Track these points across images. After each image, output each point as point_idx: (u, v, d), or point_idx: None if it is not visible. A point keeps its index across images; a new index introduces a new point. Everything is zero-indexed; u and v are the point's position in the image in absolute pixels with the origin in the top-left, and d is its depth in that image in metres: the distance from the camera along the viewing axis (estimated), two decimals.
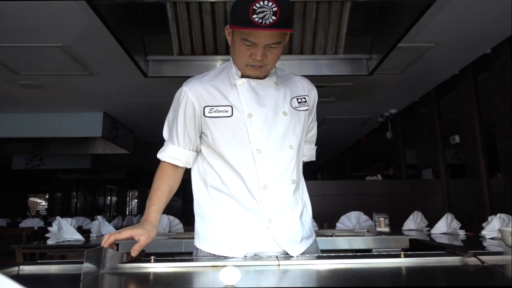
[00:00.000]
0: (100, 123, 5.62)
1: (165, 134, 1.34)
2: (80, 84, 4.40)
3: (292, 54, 2.65)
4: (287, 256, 1.21)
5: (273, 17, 1.08)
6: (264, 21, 1.08)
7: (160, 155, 1.31)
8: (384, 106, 5.44)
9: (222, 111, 1.23)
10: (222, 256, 1.22)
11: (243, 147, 1.21)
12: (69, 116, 5.62)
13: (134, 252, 1.09)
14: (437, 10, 2.74)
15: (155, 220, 1.21)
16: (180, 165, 1.30)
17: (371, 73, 2.73)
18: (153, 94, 4.72)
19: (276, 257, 1.16)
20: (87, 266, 0.90)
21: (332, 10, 2.43)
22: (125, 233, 1.11)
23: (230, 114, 1.22)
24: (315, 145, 1.53)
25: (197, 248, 1.30)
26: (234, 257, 1.20)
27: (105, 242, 1.07)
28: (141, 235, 1.12)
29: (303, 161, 1.43)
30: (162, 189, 1.28)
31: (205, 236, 1.27)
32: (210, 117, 1.24)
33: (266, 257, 1.19)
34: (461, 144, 4.12)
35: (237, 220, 1.23)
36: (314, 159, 1.52)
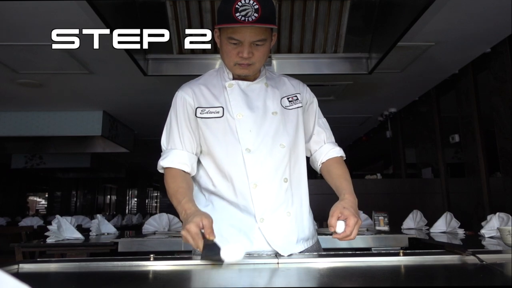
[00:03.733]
0: (100, 121, 5.62)
1: (164, 142, 1.29)
2: (79, 83, 4.39)
3: (292, 53, 2.65)
4: None
5: (255, 14, 1.13)
6: (246, 18, 1.13)
7: (164, 162, 1.24)
8: (383, 105, 5.44)
9: (214, 112, 1.25)
10: None
11: (233, 147, 1.22)
12: (69, 114, 5.62)
13: (211, 235, 1.02)
14: (436, 9, 2.73)
15: (195, 207, 1.12)
16: (187, 170, 1.24)
17: (370, 72, 2.73)
18: (152, 92, 4.71)
19: (275, 255, 1.16)
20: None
21: (332, 9, 2.43)
22: (194, 229, 1.03)
23: (221, 115, 1.24)
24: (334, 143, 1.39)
25: (194, 250, 1.29)
26: None
27: (199, 245, 1.02)
28: (200, 221, 1.04)
29: (307, 156, 1.39)
30: (182, 186, 1.19)
31: None
32: (201, 117, 1.25)
33: (265, 255, 1.19)
34: (461, 143, 4.12)
35: (230, 220, 1.22)
36: (336, 155, 1.35)
